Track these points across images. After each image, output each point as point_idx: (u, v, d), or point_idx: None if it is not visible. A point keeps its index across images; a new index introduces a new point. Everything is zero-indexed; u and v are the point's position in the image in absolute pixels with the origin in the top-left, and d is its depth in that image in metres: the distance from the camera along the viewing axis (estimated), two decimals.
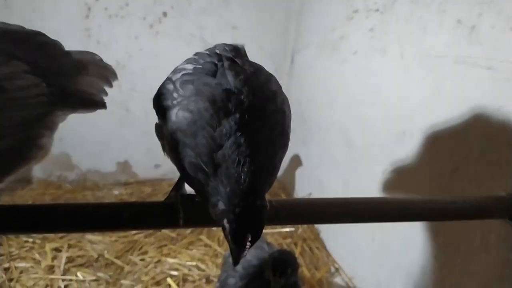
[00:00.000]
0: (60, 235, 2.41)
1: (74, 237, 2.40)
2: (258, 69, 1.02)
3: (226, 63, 0.96)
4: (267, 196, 1.05)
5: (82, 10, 2.89)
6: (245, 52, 1.10)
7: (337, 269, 2.42)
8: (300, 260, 2.41)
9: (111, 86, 1.24)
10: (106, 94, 1.22)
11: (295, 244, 2.56)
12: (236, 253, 0.79)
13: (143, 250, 2.37)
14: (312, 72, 2.85)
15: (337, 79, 2.48)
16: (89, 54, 1.22)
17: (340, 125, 2.44)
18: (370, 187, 2.07)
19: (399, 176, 1.86)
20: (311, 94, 2.86)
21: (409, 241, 1.80)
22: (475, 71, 1.42)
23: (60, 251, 2.28)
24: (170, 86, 0.95)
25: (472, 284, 1.48)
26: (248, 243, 0.78)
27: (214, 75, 0.92)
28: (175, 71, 1.00)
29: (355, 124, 2.27)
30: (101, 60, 1.22)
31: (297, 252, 2.46)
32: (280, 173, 3.07)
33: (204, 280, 2.14)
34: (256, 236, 0.79)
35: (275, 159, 0.89)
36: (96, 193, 3.07)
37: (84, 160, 3.29)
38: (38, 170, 3.18)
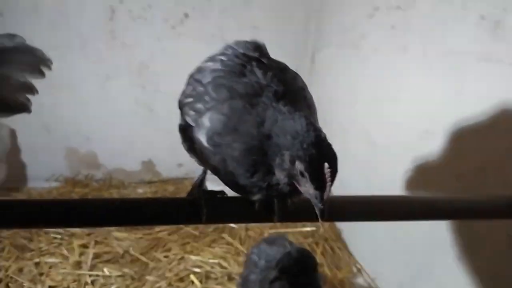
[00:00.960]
0: (87, 232, 2.48)
1: (100, 234, 2.47)
2: (284, 67, 1.03)
3: (253, 63, 0.97)
4: None
5: (106, 12, 2.97)
6: (266, 49, 1.11)
7: (359, 270, 2.41)
8: (321, 260, 2.41)
9: (42, 76, 1.02)
10: (32, 91, 0.98)
11: (317, 243, 2.56)
12: (320, 195, 0.76)
13: (167, 247, 2.42)
14: (333, 71, 2.84)
15: (358, 77, 2.47)
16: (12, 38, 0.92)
17: (362, 124, 2.43)
18: (392, 186, 2.05)
19: (422, 176, 1.84)
20: (332, 93, 2.85)
21: (432, 241, 1.78)
22: (499, 68, 1.40)
23: (87, 247, 2.35)
24: (201, 89, 0.95)
25: (500, 287, 1.46)
26: (329, 178, 0.75)
27: (243, 75, 0.93)
28: (202, 71, 1.01)
29: (377, 123, 2.26)
30: (27, 45, 0.94)
31: (318, 252, 2.46)
32: None
33: (226, 278, 2.17)
34: (334, 165, 0.76)
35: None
36: (122, 191, 3.14)
37: (110, 159, 3.37)
38: (65, 169, 3.29)
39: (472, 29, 1.53)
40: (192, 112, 0.95)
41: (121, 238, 2.46)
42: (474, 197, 1.16)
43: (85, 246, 2.36)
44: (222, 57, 1.01)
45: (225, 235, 2.53)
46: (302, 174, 0.77)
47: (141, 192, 3.18)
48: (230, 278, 2.18)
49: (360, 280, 2.35)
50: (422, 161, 1.83)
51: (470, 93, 1.55)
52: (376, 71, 2.26)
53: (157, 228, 2.57)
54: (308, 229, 2.64)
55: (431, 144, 1.76)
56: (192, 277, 2.14)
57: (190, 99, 0.97)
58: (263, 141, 0.82)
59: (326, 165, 0.75)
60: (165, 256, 2.33)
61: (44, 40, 2.85)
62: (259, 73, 0.93)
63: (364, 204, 1.07)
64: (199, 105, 0.93)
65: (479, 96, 1.50)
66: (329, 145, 0.78)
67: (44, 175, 3.21)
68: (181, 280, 2.14)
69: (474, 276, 1.55)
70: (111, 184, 3.23)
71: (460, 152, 1.61)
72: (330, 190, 0.76)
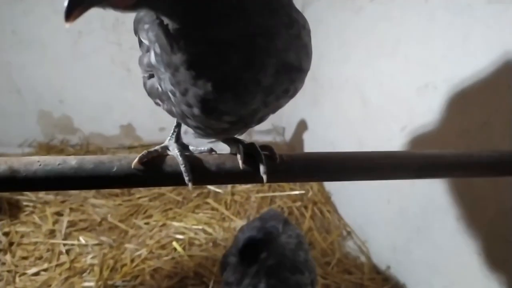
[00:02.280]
0: (61, 199, 2.33)
1: (76, 201, 2.32)
2: None
3: None
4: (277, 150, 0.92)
5: None
6: None
7: (349, 233, 2.33)
8: (310, 224, 2.32)
9: None
10: None
11: (305, 207, 2.46)
12: None
13: (148, 214, 2.29)
14: (324, 26, 2.65)
15: (351, 31, 2.29)
16: None
17: (355, 82, 2.27)
18: (387, 147, 1.93)
19: (421, 133, 1.71)
20: (323, 50, 2.67)
21: (429, 202, 1.68)
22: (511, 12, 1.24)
23: (62, 215, 2.21)
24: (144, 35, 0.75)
25: (501, 248, 1.36)
26: None
27: None
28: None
29: (371, 80, 2.10)
30: None
31: (307, 216, 2.37)
32: (288, 137, 2.92)
33: (211, 244, 2.06)
34: None
35: None
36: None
37: (87, 123, 3.18)
38: (39, 134, 3.09)
39: None
40: (146, 59, 0.76)
41: (98, 205, 2.32)
42: (484, 152, 1.03)
43: (59, 214, 2.22)
44: None
45: (209, 200, 2.41)
46: None
47: None
48: (215, 244, 2.07)
49: (350, 243, 2.28)
50: (420, 118, 1.69)
51: (477, 42, 1.40)
52: (372, 23, 2.08)
53: (137, 194, 2.43)
54: (297, 192, 2.54)
55: (431, 99, 1.62)
56: (175, 244, 2.03)
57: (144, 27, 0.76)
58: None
59: None
60: (146, 223, 2.20)
61: None
62: None
63: (362, 160, 0.94)
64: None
65: (488, 44, 1.35)
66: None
67: (16, 141, 3.01)
68: (163, 247, 2.03)
69: (474, 238, 1.46)
70: (88, 150, 3.06)
71: (463, 107, 1.47)
72: None
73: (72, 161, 0.80)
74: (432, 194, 1.64)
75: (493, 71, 1.34)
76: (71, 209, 2.25)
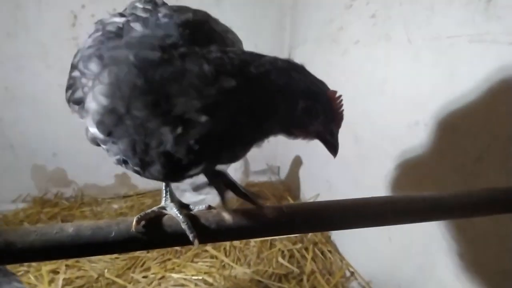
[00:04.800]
0: None
1: None
2: (178, 9, 0.86)
3: (131, 17, 0.80)
4: (264, 194, 0.92)
5: (68, 18, 2.77)
6: (163, 1, 0.95)
7: (352, 273, 2.28)
8: (312, 266, 2.28)
9: None
10: None
11: (306, 249, 2.42)
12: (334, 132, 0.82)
13: (146, 267, 2.23)
14: (312, 67, 2.69)
15: (339, 72, 2.35)
16: None
17: (346, 121, 2.29)
18: (382, 184, 1.93)
19: (415, 170, 1.72)
20: None
21: (431, 239, 1.66)
22: (494, 49, 1.29)
23: (58, 273, 2.14)
24: (75, 73, 0.77)
25: (507, 284, 1.34)
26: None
27: (119, 36, 0.76)
28: (76, 55, 0.82)
29: (361, 118, 2.13)
30: None
31: (309, 258, 2.32)
32: (283, 175, 2.91)
33: None
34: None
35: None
36: (94, 209, 2.93)
37: (81, 175, 3.16)
38: (33, 188, 3.06)
39: (461, 11, 1.42)
40: (75, 107, 0.77)
41: (95, 260, 2.26)
42: (484, 191, 1.03)
43: (55, 271, 2.15)
44: (93, 34, 0.83)
45: (208, 248, 2.36)
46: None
47: (116, 207, 2.97)
48: None
49: (354, 285, 2.22)
50: (413, 155, 1.71)
51: (463, 78, 1.44)
52: (358, 63, 2.14)
53: None
54: (297, 234, 2.50)
55: (423, 136, 1.64)
56: None
57: (69, 91, 0.79)
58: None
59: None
60: (144, 277, 2.14)
61: (1, 50, 2.65)
62: (137, 26, 0.76)
63: (363, 208, 0.94)
64: (79, 93, 0.75)
65: (474, 81, 1.39)
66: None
67: (10, 196, 2.98)
68: None
69: (479, 276, 1.43)
70: (83, 202, 3.02)
71: (455, 142, 1.49)
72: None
73: (69, 228, 0.79)
74: (433, 231, 1.62)
75: (481, 107, 1.37)
76: (67, 266, 2.19)
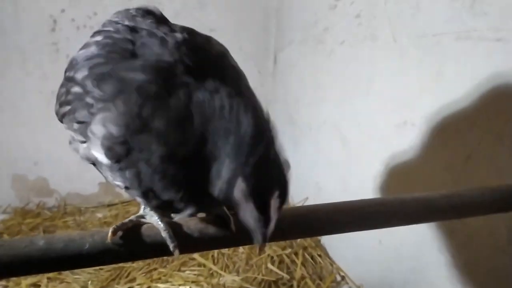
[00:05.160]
0: None
1: None
2: (191, 31, 0.82)
3: (144, 32, 0.74)
4: None
5: (47, 22, 2.70)
6: (161, 13, 0.88)
7: (343, 277, 2.24)
8: (302, 272, 2.23)
9: None
10: None
11: (296, 254, 2.37)
12: (263, 227, 0.60)
13: (131, 277, 2.15)
14: (298, 70, 2.69)
15: (325, 73, 2.32)
16: None
17: (332, 123, 2.28)
18: (371, 186, 1.90)
19: (404, 171, 1.69)
20: (298, 93, 2.70)
21: (422, 241, 1.63)
22: (482, 46, 1.27)
23: (39, 286, 2.06)
24: (77, 90, 0.71)
25: (500, 285, 1.31)
26: (276, 210, 0.58)
27: (133, 55, 0.70)
28: (73, 63, 0.76)
29: (348, 119, 2.11)
30: None
31: (298, 263, 2.28)
32: None
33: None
34: (284, 193, 0.59)
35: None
36: (78, 218, 2.84)
37: (63, 184, 3.06)
38: (14, 199, 2.95)
39: (446, 8, 1.40)
40: (76, 125, 0.71)
41: (78, 271, 2.17)
42: (475, 190, 1.01)
43: (36, 285, 2.07)
44: (98, 38, 0.77)
45: (196, 256, 2.30)
46: (245, 197, 0.59)
47: (101, 216, 2.89)
48: None
49: None
50: (402, 156, 1.68)
51: (450, 77, 1.42)
52: (344, 64, 2.12)
53: None
54: (284, 240, 2.45)
55: (411, 136, 1.62)
56: None
57: (67, 107, 0.73)
58: (191, 144, 0.61)
59: (277, 193, 0.58)
60: None
61: None
62: (155, 45, 0.70)
63: (352, 212, 0.90)
64: (83, 112, 0.69)
65: (461, 78, 1.37)
66: (280, 164, 0.61)
67: None
68: None
69: (471, 276, 1.41)
70: (65, 212, 2.93)
71: (444, 141, 1.47)
72: (274, 224, 0.60)
73: (39, 241, 0.73)
74: (424, 232, 1.60)
75: (469, 105, 1.35)
76: (49, 279, 2.10)
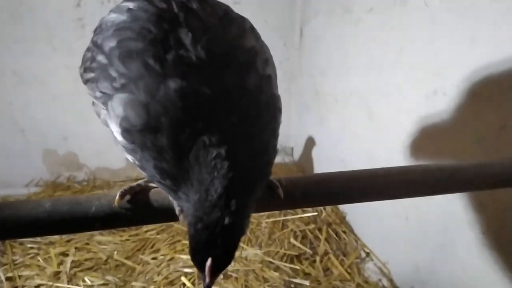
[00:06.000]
0: (66, 238, 2.25)
1: (81, 239, 2.25)
2: (225, 16, 0.75)
3: (181, 15, 0.69)
4: (276, 176, 0.83)
5: None
6: None
7: (368, 254, 2.20)
8: (326, 247, 2.20)
9: None
10: None
11: (319, 229, 2.34)
12: (203, 278, 0.62)
13: (155, 248, 2.19)
14: (324, 42, 2.60)
15: (352, 44, 2.22)
16: None
17: (359, 95, 2.19)
18: (398, 161, 1.82)
19: (433, 143, 1.61)
20: (324, 67, 2.61)
21: (449, 217, 1.56)
22: None
23: (67, 255, 2.13)
24: (102, 59, 0.69)
25: None
26: (209, 272, 0.60)
27: (165, 39, 0.66)
28: (102, 28, 0.73)
29: (376, 91, 2.02)
30: None
31: (322, 239, 2.24)
32: (297, 156, 2.80)
33: (221, 276, 1.95)
34: (220, 262, 0.61)
35: (266, 155, 0.68)
36: (107, 192, 2.91)
37: (92, 158, 3.13)
38: (45, 172, 3.06)
39: None
40: (98, 93, 0.69)
41: (105, 242, 2.23)
42: (507, 160, 0.93)
43: (64, 254, 2.14)
44: (132, 4, 0.72)
45: None
46: None
47: None
48: (227, 277, 1.96)
49: (370, 265, 2.14)
50: (432, 127, 1.59)
51: (485, 41, 1.31)
52: (372, 33, 2.01)
53: (144, 228, 2.35)
54: (310, 214, 2.42)
55: (442, 105, 1.52)
56: (184, 279, 1.92)
57: (91, 74, 0.71)
58: (181, 170, 0.63)
59: (209, 262, 0.60)
60: (153, 258, 2.11)
61: (7, 34, 2.62)
62: (187, 38, 0.66)
63: (370, 179, 0.85)
64: (105, 84, 0.67)
65: (497, 43, 1.26)
66: (230, 235, 0.60)
67: (22, 181, 2.97)
68: (171, 283, 1.92)
69: (504, 253, 1.33)
70: (95, 185, 3.00)
71: (477, 111, 1.37)
72: (209, 284, 0.62)
73: (46, 203, 0.73)
74: (452, 208, 1.52)
75: (504, 72, 1.24)
76: (76, 248, 2.17)
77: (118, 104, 0.65)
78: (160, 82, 0.62)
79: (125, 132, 0.65)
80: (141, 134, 0.63)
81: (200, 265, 0.61)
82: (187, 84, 0.62)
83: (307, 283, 1.93)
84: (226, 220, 0.58)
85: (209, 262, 0.59)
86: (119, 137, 0.67)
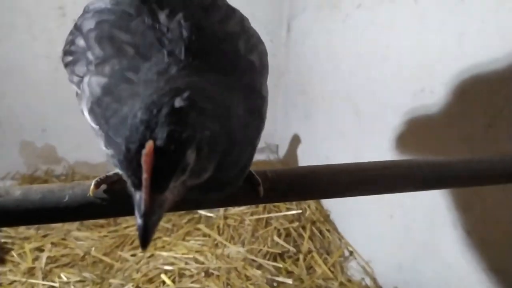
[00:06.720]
0: (43, 233, 2.18)
1: (58, 234, 2.17)
2: (211, 5, 0.76)
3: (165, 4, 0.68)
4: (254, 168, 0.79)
5: None
6: None
7: (351, 253, 2.18)
8: (309, 245, 2.18)
9: None
10: None
11: (303, 227, 2.31)
12: (138, 203, 0.45)
13: (135, 245, 2.13)
14: (312, 38, 2.57)
15: (339, 40, 2.20)
16: None
17: (346, 92, 2.17)
18: (385, 158, 1.80)
19: (420, 141, 1.60)
20: (311, 63, 2.59)
21: (434, 215, 1.55)
22: (509, 2, 1.15)
23: (43, 250, 2.05)
24: (81, 43, 0.69)
25: None
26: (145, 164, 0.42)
27: (141, 18, 0.66)
28: (85, 13, 0.73)
29: (363, 88, 2.00)
30: None
31: (306, 237, 2.22)
32: (282, 153, 2.76)
33: (202, 274, 1.91)
34: (165, 156, 0.43)
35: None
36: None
37: (71, 152, 3.04)
38: (22, 165, 2.96)
39: None
40: (75, 78, 0.68)
41: (82, 237, 2.17)
42: (495, 157, 0.91)
43: (40, 249, 2.06)
44: None
45: (201, 226, 2.26)
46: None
47: None
48: (208, 274, 1.92)
49: (353, 264, 2.13)
50: (419, 125, 1.58)
51: (474, 39, 1.30)
52: (359, 30, 1.99)
53: (124, 224, 2.29)
54: (294, 212, 2.39)
55: (429, 103, 1.51)
56: (163, 276, 1.87)
57: (70, 58, 0.71)
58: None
59: (148, 149, 0.42)
60: (132, 255, 2.05)
61: None
62: (162, 16, 0.66)
63: (356, 173, 0.82)
64: (82, 68, 0.66)
65: (486, 41, 1.25)
66: (179, 118, 0.45)
67: None
68: (151, 281, 1.87)
69: (488, 253, 1.32)
70: (73, 180, 2.91)
71: (465, 109, 1.36)
72: (150, 193, 0.44)
73: (16, 191, 0.68)
74: (437, 206, 1.51)
75: (493, 70, 1.23)
76: (53, 244, 2.10)
77: (86, 83, 0.63)
78: (134, 64, 0.61)
79: (90, 111, 0.63)
80: (102, 108, 0.60)
81: (133, 173, 0.44)
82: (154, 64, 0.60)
83: (290, 281, 1.91)
84: (177, 103, 0.46)
85: (148, 147, 0.42)
86: (88, 119, 0.65)
